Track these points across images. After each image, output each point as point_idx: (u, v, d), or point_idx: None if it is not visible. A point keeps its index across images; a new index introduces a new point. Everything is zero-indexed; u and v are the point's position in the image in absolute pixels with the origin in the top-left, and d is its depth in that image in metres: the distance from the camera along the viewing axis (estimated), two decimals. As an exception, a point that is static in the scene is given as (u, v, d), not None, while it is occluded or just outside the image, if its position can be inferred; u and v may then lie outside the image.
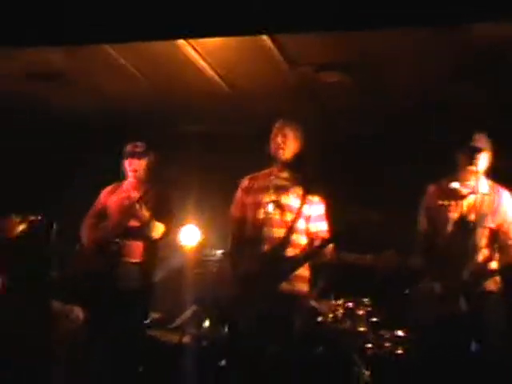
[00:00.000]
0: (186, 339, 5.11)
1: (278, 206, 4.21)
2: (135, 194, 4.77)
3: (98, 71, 5.25)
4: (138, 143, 4.79)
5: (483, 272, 3.98)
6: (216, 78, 5.27)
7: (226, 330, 4.62)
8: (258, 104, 5.69)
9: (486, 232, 4.03)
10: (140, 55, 4.95)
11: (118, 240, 4.65)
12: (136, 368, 4.83)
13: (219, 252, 5.35)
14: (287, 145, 4.28)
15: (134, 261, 4.70)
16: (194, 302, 5.24)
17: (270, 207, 4.21)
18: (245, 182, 4.43)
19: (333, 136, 5.84)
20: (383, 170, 5.84)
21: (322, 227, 4.31)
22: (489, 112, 5.26)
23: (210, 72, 5.16)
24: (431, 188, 4.27)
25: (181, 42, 4.63)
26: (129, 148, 4.78)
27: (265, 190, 4.28)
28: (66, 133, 6.25)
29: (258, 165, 4.49)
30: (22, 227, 4.89)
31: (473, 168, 4.05)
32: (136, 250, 4.71)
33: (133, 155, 4.76)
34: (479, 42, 4.29)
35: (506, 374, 3.87)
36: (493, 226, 4.04)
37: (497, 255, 4.05)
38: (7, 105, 5.79)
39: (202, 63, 5.00)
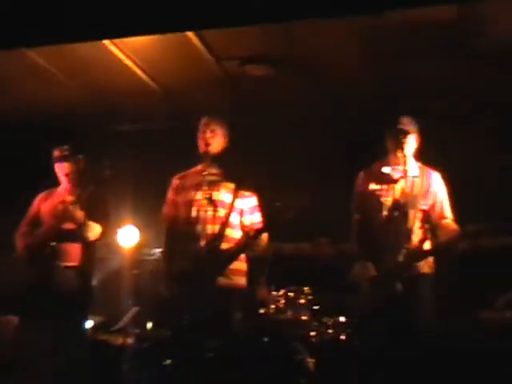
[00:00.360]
0: (130, 340, 5.08)
1: (210, 202, 4.20)
2: (69, 198, 4.69)
3: (22, 77, 5.16)
4: (65, 147, 4.71)
5: (417, 254, 4.01)
6: (143, 76, 5.25)
7: (168, 328, 4.60)
8: (187, 100, 5.68)
9: (419, 214, 4.06)
10: (64, 58, 4.89)
11: (52, 244, 4.56)
12: (82, 373, 4.78)
13: (157, 251, 5.33)
14: (215, 140, 4.28)
15: (70, 264, 4.60)
16: (135, 303, 5.21)
17: (203, 204, 4.20)
18: (175, 181, 4.42)
19: (261, 128, 5.86)
20: (309, 159, 5.89)
21: (255, 219, 4.33)
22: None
23: (137, 70, 5.13)
24: (361, 174, 4.28)
25: (106, 42, 4.59)
26: (56, 153, 4.70)
27: (196, 187, 4.27)
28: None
29: (193, 160, 4.48)
30: None
31: (401, 151, 4.06)
32: (72, 253, 4.61)
33: (61, 159, 4.68)
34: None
35: (441, 356, 3.95)
36: (425, 207, 4.08)
37: (429, 236, 4.11)
38: None
39: (128, 62, 4.97)
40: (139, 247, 5.71)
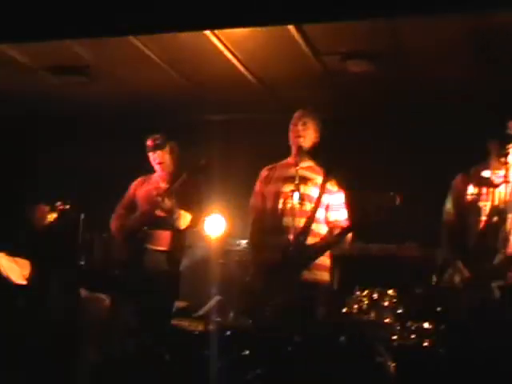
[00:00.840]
0: (211, 328, 5.13)
1: (298, 195, 4.20)
2: (163, 185, 4.81)
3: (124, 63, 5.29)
4: (157, 135, 4.80)
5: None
6: (242, 68, 5.28)
7: (250, 320, 4.62)
8: (284, 93, 5.70)
9: None
10: (166, 46, 4.97)
11: (145, 228, 4.69)
12: (162, 356, 4.87)
13: (243, 242, 5.36)
14: (306, 134, 4.28)
15: (160, 249, 4.73)
16: (218, 292, 5.26)
17: (290, 197, 4.20)
18: (264, 173, 4.45)
19: (355, 124, 5.81)
20: (404, 158, 5.80)
21: (341, 216, 4.30)
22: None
23: (235, 63, 5.17)
24: (460, 177, 4.21)
25: (207, 32, 4.64)
26: (149, 142, 4.81)
27: (284, 179, 4.29)
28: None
29: (283, 153, 4.49)
30: (51, 216, 4.97)
31: (504, 156, 3.97)
32: (163, 239, 4.75)
33: (154, 148, 4.79)
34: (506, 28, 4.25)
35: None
36: None
37: None
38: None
39: (227, 54, 5.02)
40: (225, 237, 5.76)
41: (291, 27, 4.49)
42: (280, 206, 4.24)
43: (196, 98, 6.02)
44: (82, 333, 4.65)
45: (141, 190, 4.92)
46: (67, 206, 5.00)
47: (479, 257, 3.95)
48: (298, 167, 4.26)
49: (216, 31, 4.64)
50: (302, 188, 4.22)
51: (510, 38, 4.37)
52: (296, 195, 4.18)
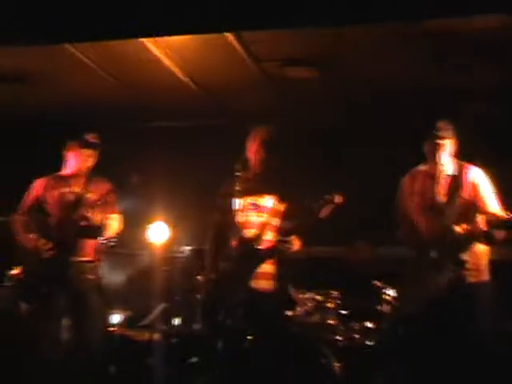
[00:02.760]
0: (157, 337, 5.12)
1: (256, 207, 4.32)
2: (78, 190, 4.63)
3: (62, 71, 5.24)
4: (94, 134, 4.67)
5: (461, 245, 4.05)
6: (181, 75, 5.29)
7: (199, 326, 4.64)
8: (225, 99, 5.73)
9: (461, 210, 4.11)
10: (105, 54, 4.94)
11: (67, 238, 4.50)
12: (107, 368, 4.83)
13: (187, 249, 5.36)
14: (265, 149, 4.34)
15: (85, 259, 4.59)
16: (163, 300, 5.24)
17: (247, 209, 4.30)
18: (224, 188, 4.46)
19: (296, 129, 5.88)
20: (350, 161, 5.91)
21: (288, 223, 4.37)
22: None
23: (175, 70, 5.17)
24: (404, 180, 4.37)
25: (145, 40, 4.62)
26: (88, 137, 4.63)
27: (241, 192, 4.33)
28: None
29: (229, 159, 4.51)
30: None
31: (438, 155, 4.14)
32: (87, 249, 4.60)
33: (93, 145, 4.63)
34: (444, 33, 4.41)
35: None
36: (466, 197, 4.13)
37: (473, 228, 4.07)
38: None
39: (167, 62, 5.01)
40: (169, 244, 5.74)
41: (230, 34, 4.52)
42: (236, 218, 4.29)
43: (137, 106, 5.98)
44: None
45: (50, 192, 4.67)
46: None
47: (429, 249, 4.09)
48: (253, 179, 4.34)
49: (155, 39, 4.63)
50: (259, 200, 4.34)
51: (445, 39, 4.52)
52: (251, 207, 4.30)
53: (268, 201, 4.36)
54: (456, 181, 4.17)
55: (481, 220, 4.03)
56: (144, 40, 4.63)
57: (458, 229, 4.05)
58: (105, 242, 5.20)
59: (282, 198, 4.36)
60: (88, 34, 4.37)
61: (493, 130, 5.52)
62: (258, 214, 4.34)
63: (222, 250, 4.35)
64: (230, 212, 4.33)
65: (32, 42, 4.38)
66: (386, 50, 4.75)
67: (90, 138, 4.62)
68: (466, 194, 4.13)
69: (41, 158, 4.95)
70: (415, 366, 4.07)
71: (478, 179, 4.17)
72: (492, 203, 4.12)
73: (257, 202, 4.35)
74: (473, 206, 4.11)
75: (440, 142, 4.14)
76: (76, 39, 4.50)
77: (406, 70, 5.07)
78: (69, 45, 4.70)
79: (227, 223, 4.35)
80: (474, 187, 4.15)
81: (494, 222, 3.96)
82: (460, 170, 4.21)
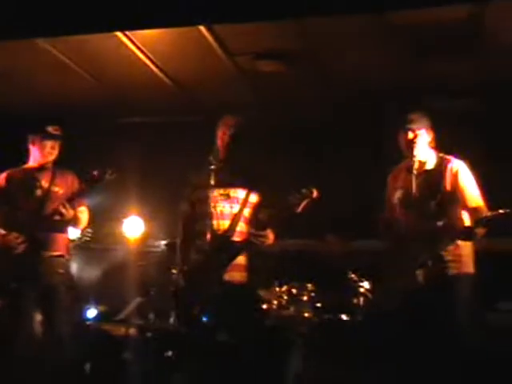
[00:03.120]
0: (132, 331, 5.11)
1: (227, 198, 4.28)
2: (47, 183, 4.58)
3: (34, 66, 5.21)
4: (56, 126, 4.66)
5: (441, 241, 3.98)
6: (155, 69, 5.28)
7: (173, 320, 4.63)
8: (198, 94, 5.72)
9: (441, 203, 4.06)
10: (77, 49, 4.92)
11: (36, 232, 4.44)
12: (82, 363, 4.82)
13: (162, 243, 5.36)
14: (233, 138, 4.33)
15: (56, 254, 4.53)
16: (138, 294, 5.24)
17: (219, 200, 4.27)
18: (192, 178, 4.45)
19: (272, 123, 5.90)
20: (322, 156, 5.93)
21: (262, 215, 4.37)
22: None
23: (149, 64, 5.17)
24: (389, 177, 4.34)
25: (119, 34, 4.61)
26: (49, 128, 4.58)
27: (211, 183, 4.32)
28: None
29: (204, 154, 4.51)
30: None
31: (412, 149, 4.10)
32: (58, 243, 4.55)
33: (55, 136, 4.59)
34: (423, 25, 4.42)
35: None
36: (446, 195, 4.07)
37: (453, 222, 4.05)
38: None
39: (140, 55, 5.00)
40: (144, 238, 5.74)
41: (202, 28, 4.52)
42: (207, 209, 4.28)
43: (110, 101, 5.96)
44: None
45: (17, 185, 4.61)
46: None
47: (408, 245, 4.04)
48: (223, 170, 4.32)
49: (127, 32, 4.62)
50: (231, 191, 4.30)
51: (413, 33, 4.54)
52: (222, 198, 4.27)
53: (240, 192, 4.33)
54: (436, 174, 4.11)
55: (464, 216, 4.01)
56: (117, 34, 4.62)
57: (438, 223, 3.99)
58: (79, 237, 5.22)
59: (255, 190, 4.36)
60: (60, 29, 4.33)
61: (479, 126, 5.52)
62: (230, 204, 4.30)
63: (193, 242, 4.33)
64: (199, 202, 4.33)
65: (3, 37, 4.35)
66: (359, 43, 4.76)
67: (52, 129, 4.59)
68: (447, 185, 4.07)
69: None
70: (392, 359, 4.07)
71: (460, 170, 4.10)
72: (474, 195, 4.06)
73: (229, 193, 4.32)
74: (455, 199, 4.05)
75: (411, 134, 4.10)
76: (48, 34, 4.46)
77: (381, 62, 5.09)
78: (41, 40, 4.67)
79: (197, 214, 4.34)
80: (455, 178, 4.07)
81: (483, 221, 3.82)
82: (440, 162, 4.15)
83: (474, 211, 3.98)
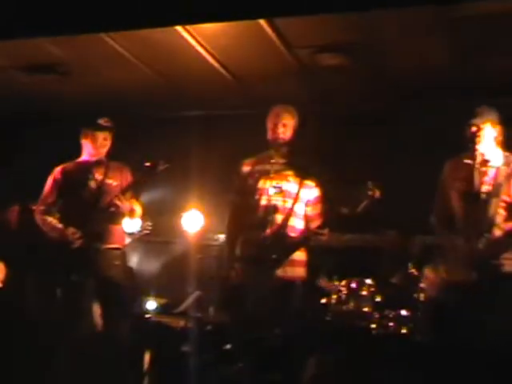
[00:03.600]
0: (191, 324, 5.15)
1: (279, 191, 4.24)
2: (102, 176, 4.63)
3: (97, 60, 5.28)
4: (106, 118, 4.65)
5: (497, 244, 3.93)
6: (215, 63, 5.29)
7: (229, 315, 4.64)
8: (258, 87, 5.71)
9: (502, 204, 3.99)
10: (139, 43, 4.96)
11: (94, 225, 4.50)
12: (142, 355, 4.88)
13: (221, 237, 5.37)
14: (286, 130, 4.31)
15: (113, 246, 4.60)
16: (197, 288, 5.27)
17: (271, 192, 4.24)
18: (243, 168, 4.45)
19: (331, 118, 5.84)
20: (384, 152, 5.85)
21: (318, 210, 4.34)
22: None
23: (209, 58, 5.18)
24: (447, 165, 4.25)
25: (179, 28, 4.63)
26: (101, 121, 4.62)
27: (264, 175, 4.30)
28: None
29: (259, 148, 4.51)
30: (24, 216, 4.92)
31: (477, 143, 4.02)
32: (116, 236, 4.62)
33: (108, 128, 4.63)
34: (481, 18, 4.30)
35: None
36: (507, 199, 4.00)
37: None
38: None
39: (200, 50, 5.02)
40: (203, 232, 5.77)
41: (263, 21, 4.50)
42: (259, 201, 4.27)
43: (170, 95, 6.01)
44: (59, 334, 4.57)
45: (72, 179, 4.66)
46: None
47: (463, 241, 3.97)
48: (275, 162, 4.30)
49: (188, 27, 4.64)
50: (283, 183, 4.28)
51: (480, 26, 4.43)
52: (274, 190, 4.23)
53: (293, 186, 4.29)
54: (501, 173, 4.01)
55: None
56: (178, 29, 4.64)
57: (501, 225, 3.94)
58: (139, 230, 5.29)
59: (308, 186, 4.31)
60: (122, 23, 4.37)
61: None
62: (283, 198, 4.26)
63: (244, 235, 4.30)
64: (250, 194, 4.30)
65: (67, 31, 4.41)
66: (418, 36, 4.67)
67: (103, 121, 4.63)
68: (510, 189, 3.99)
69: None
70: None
71: None
72: None
73: (282, 186, 4.28)
74: None
75: (475, 128, 4.03)
76: (110, 28, 4.51)
77: (439, 55, 4.99)
78: (103, 34, 4.73)
79: (247, 206, 4.31)
80: None
81: None
82: (509, 161, 4.05)
83: None
